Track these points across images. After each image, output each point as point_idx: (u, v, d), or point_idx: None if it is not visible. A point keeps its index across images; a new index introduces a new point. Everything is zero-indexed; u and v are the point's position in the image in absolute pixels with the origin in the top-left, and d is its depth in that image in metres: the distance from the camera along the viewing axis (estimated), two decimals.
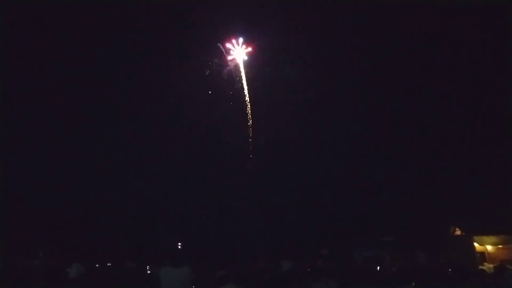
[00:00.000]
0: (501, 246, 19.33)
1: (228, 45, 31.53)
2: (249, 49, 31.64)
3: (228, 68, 31.91)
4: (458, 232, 21.98)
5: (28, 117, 29.53)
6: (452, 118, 29.58)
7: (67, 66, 31.50)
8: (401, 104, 31.06)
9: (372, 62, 31.80)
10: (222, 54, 31.45)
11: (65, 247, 22.63)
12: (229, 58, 31.76)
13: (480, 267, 15.11)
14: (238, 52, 31.62)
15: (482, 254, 19.42)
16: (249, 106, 33.00)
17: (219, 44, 31.15)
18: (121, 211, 29.29)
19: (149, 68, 32.90)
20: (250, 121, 32.98)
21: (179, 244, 29.27)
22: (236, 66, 32.14)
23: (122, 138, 32.58)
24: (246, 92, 32.58)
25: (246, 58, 31.81)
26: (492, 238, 19.50)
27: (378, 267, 17.60)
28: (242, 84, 32.38)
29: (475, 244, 19.68)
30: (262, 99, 32.86)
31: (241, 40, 31.68)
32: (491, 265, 15.15)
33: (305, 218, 29.68)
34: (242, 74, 32.22)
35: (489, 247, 19.44)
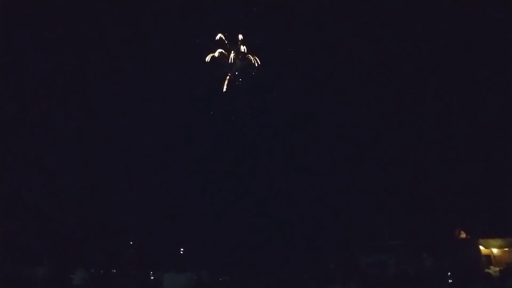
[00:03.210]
0: (507, 249, 19.16)
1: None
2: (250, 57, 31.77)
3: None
4: (463, 235, 21.80)
5: (31, 124, 29.68)
6: (457, 120, 29.47)
7: (67, 62, 31.47)
8: (405, 106, 30.96)
9: (374, 62, 31.72)
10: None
11: (70, 253, 22.67)
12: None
13: (486, 270, 15.01)
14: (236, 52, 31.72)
15: (488, 257, 19.24)
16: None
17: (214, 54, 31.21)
18: (124, 217, 29.34)
19: (142, 66, 32.85)
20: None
21: (182, 249, 29.24)
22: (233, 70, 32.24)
23: (124, 145, 32.64)
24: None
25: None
26: (498, 241, 19.34)
27: (383, 271, 17.52)
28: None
29: (481, 247, 19.52)
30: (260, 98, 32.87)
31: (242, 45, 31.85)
32: (497, 269, 15.04)
33: (310, 223, 29.61)
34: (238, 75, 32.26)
35: (495, 250, 19.27)
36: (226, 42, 31.87)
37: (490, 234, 19.61)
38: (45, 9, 28.94)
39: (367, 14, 30.46)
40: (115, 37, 32.08)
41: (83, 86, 32.04)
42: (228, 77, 32.14)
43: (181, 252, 28.96)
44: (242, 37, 31.86)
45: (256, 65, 32.16)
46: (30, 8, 28.03)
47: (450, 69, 29.66)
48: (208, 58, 31.21)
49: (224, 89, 32.03)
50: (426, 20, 29.47)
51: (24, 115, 29.44)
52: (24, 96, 29.54)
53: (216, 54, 31.61)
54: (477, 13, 26.68)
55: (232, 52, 31.85)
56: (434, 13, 28.92)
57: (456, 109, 29.47)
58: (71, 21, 30.74)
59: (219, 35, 31.45)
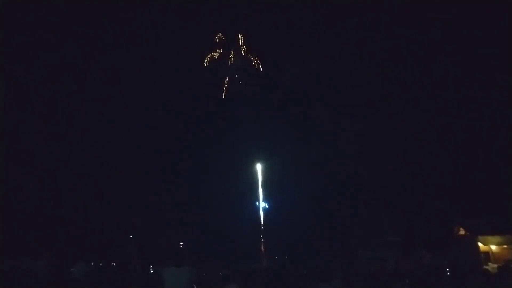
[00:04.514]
0: (505, 246, 19.21)
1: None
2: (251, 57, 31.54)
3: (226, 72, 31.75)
4: (462, 232, 21.87)
5: (31, 120, 29.77)
6: (456, 118, 29.48)
7: (69, 65, 31.58)
8: (404, 104, 31.00)
9: (375, 63, 31.73)
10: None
11: (70, 246, 22.75)
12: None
13: (484, 267, 15.05)
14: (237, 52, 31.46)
15: (487, 254, 19.30)
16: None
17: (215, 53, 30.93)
18: (125, 212, 29.42)
19: (143, 68, 32.89)
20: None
21: (182, 244, 29.35)
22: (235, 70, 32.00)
23: (126, 141, 32.73)
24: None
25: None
26: (497, 238, 19.39)
27: (382, 267, 17.57)
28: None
29: (480, 244, 19.57)
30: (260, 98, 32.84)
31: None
32: (495, 265, 15.08)
33: (309, 218, 29.67)
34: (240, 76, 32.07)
35: (493, 247, 19.32)
36: (225, 40, 31.63)
37: (489, 231, 19.65)
38: (44, 13, 29.02)
39: (368, 15, 30.45)
40: (113, 41, 32.08)
41: (81, 90, 32.17)
42: (227, 82, 31.93)
43: (181, 247, 29.06)
44: (242, 38, 31.61)
45: (257, 66, 31.95)
46: (32, 8, 28.09)
47: (451, 68, 29.67)
48: (206, 62, 30.96)
49: (224, 94, 31.89)
50: (426, 21, 29.48)
51: (27, 115, 29.58)
52: (24, 96, 29.67)
53: (216, 56, 31.38)
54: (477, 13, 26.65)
55: (232, 52, 31.63)
56: (434, 13, 28.91)
57: (455, 109, 29.49)
58: (70, 24, 30.82)
59: (218, 35, 31.22)
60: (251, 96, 32.77)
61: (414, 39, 30.56)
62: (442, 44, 29.51)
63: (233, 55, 31.50)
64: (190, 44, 32.04)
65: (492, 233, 19.51)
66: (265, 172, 32.12)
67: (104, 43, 32.20)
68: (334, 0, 30.91)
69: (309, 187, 31.12)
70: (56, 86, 31.11)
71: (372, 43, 31.23)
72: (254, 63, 31.87)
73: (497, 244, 19.32)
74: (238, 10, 31.48)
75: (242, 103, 33.31)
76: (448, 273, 11.93)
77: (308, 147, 32.36)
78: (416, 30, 30.62)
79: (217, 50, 31.36)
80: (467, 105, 28.75)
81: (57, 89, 31.24)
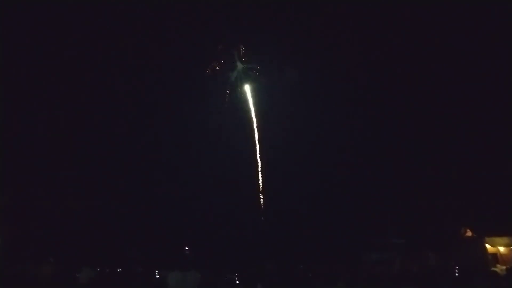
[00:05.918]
0: None
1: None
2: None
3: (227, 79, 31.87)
4: (469, 234, 21.65)
5: (35, 124, 30.00)
6: (462, 118, 29.28)
7: (70, 70, 31.74)
8: (410, 104, 30.82)
9: (376, 63, 31.65)
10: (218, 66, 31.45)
11: (76, 252, 22.79)
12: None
13: (493, 268, 14.92)
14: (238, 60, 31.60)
15: (495, 255, 19.09)
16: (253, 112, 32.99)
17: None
18: (130, 217, 29.47)
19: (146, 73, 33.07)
20: (256, 132, 32.93)
21: (187, 248, 29.34)
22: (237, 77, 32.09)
23: (131, 145, 32.85)
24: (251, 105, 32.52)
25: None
26: (505, 239, 19.17)
27: (388, 269, 17.48)
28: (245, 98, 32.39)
29: (487, 246, 19.37)
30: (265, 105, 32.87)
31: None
32: (504, 267, 14.95)
33: (313, 220, 29.57)
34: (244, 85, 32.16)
35: (501, 249, 19.11)
36: (225, 51, 31.77)
37: (497, 232, 19.43)
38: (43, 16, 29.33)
39: (369, 21, 30.46)
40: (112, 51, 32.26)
41: (84, 95, 32.42)
42: (229, 90, 32.07)
43: (186, 251, 29.05)
44: (242, 48, 31.74)
45: (257, 74, 32.08)
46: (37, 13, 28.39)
47: (458, 69, 29.50)
48: (208, 70, 31.14)
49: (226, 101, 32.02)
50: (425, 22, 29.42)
51: (29, 116, 29.79)
52: (29, 99, 29.91)
53: (217, 65, 31.53)
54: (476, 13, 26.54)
55: (233, 62, 31.80)
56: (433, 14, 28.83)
57: (460, 109, 29.30)
58: (69, 36, 31.11)
59: (220, 47, 31.40)
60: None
61: (414, 43, 30.50)
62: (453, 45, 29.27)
63: (234, 65, 31.76)
64: (190, 54, 32.21)
65: (500, 234, 19.30)
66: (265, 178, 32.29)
67: (104, 53, 32.42)
68: (335, 7, 30.90)
69: (314, 189, 31.05)
70: (55, 97, 31.33)
71: (374, 49, 31.19)
72: (255, 72, 32.10)
73: (505, 245, 19.10)
74: (239, 21, 31.66)
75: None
76: (456, 276, 11.83)
77: (311, 147, 32.29)
78: (416, 33, 30.56)
79: (219, 61, 31.59)
80: (475, 105, 28.52)
81: (58, 97, 31.47)
